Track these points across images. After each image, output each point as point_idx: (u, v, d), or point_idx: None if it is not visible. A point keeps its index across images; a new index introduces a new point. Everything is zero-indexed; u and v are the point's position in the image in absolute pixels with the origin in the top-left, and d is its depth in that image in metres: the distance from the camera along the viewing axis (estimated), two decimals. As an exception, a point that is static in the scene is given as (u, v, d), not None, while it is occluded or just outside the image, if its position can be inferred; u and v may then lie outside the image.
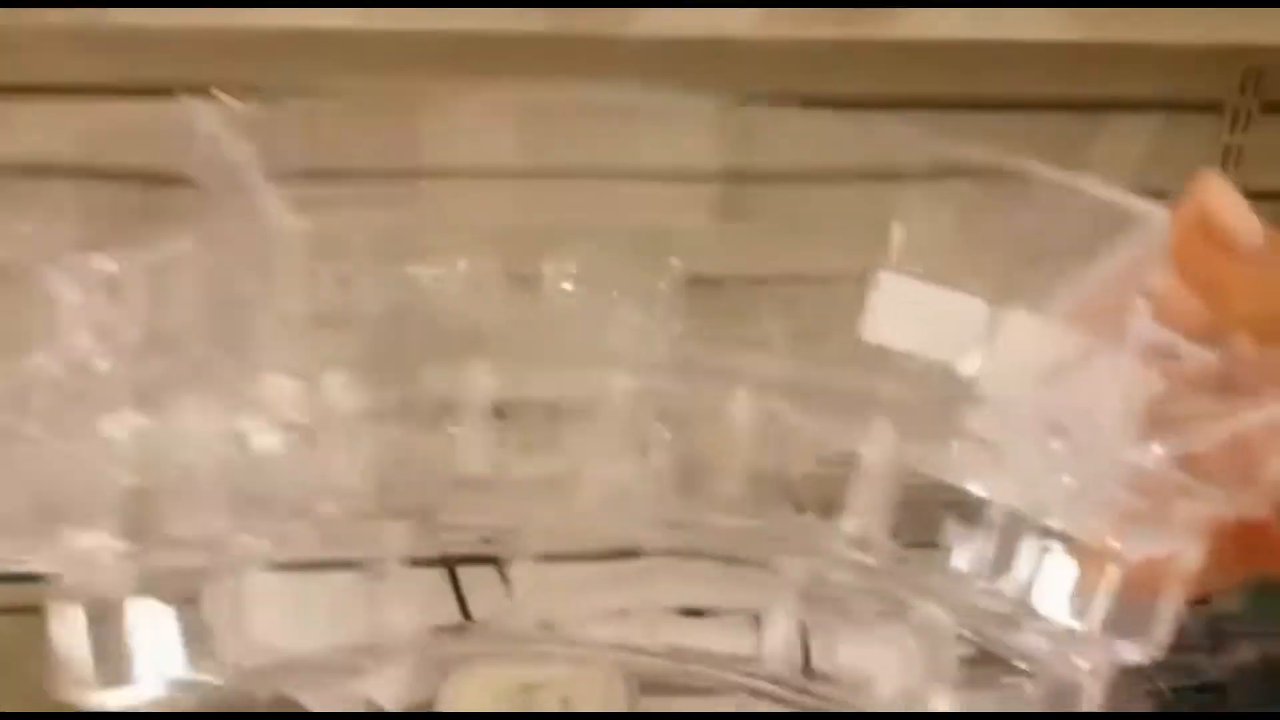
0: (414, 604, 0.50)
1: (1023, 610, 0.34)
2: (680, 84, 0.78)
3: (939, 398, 0.36)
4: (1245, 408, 0.32)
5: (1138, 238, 0.34)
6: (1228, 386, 0.33)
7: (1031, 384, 0.34)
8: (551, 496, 0.51)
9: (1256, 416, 0.32)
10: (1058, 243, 0.35)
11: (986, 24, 0.50)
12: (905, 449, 0.37)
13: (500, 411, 0.62)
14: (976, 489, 0.36)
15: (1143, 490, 0.32)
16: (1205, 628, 0.86)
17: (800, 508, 0.62)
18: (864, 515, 0.38)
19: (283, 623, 0.46)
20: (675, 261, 0.78)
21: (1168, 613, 0.32)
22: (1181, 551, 0.33)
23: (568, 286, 0.78)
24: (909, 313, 0.35)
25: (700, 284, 0.79)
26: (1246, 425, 0.32)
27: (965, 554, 0.35)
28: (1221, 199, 0.35)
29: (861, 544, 0.38)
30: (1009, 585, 0.34)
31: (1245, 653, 0.87)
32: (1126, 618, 0.33)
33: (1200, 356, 0.33)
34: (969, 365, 0.35)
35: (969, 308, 0.34)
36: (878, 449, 0.38)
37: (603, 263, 0.78)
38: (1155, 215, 0.33)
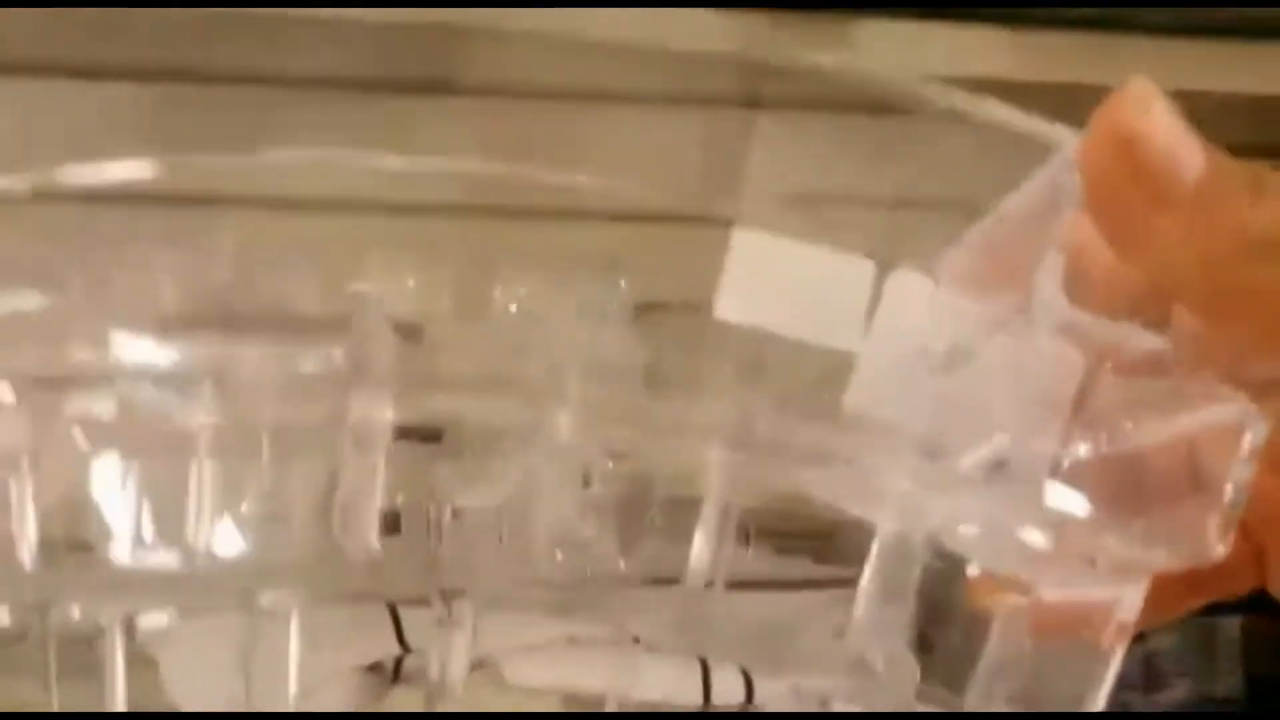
0: (354, 639, 0.48)
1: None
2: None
3: (806, 398, 0.29)
4: (1185, 400, 0.25)
5: (1046, 173, 0.27)
6: (1160, 369, 0.26)
7: (917, 375, 0.27)
8: (493, 530, 0.50)
9: (1202, 414, 0.25)
10: (951, 184, 0.29)
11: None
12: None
13: (437, 435, 0.61)
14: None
15: (1065, 533, 0.26)
16: (1139, 667, 0.86)
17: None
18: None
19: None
20: (623, 284, 0.78)
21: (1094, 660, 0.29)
22: (1115, 599, 0.28)
23: (514, 308, 0.78)
24: (770, 279, 0.29)
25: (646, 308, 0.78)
26: (1189, 425, 0.25)
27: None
28: (1148, 114, 0.26)
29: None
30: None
31: (1180, 690, 0.88)
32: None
33: (1123, 333, 0.26)
34: (844, 344, 0.27)
35: (848, 270, 0.27)
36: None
37: (552, 286, 0.77)
38: (1067, 141, 0.26)
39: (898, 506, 0.27)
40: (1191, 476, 0.26)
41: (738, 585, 0.38)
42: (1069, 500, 0.25)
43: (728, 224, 0.39)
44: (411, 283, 0.73)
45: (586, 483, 0.52)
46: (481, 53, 0.66)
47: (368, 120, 0.77)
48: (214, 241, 0.66)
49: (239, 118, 0.53)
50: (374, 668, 0.56)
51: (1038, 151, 0.29)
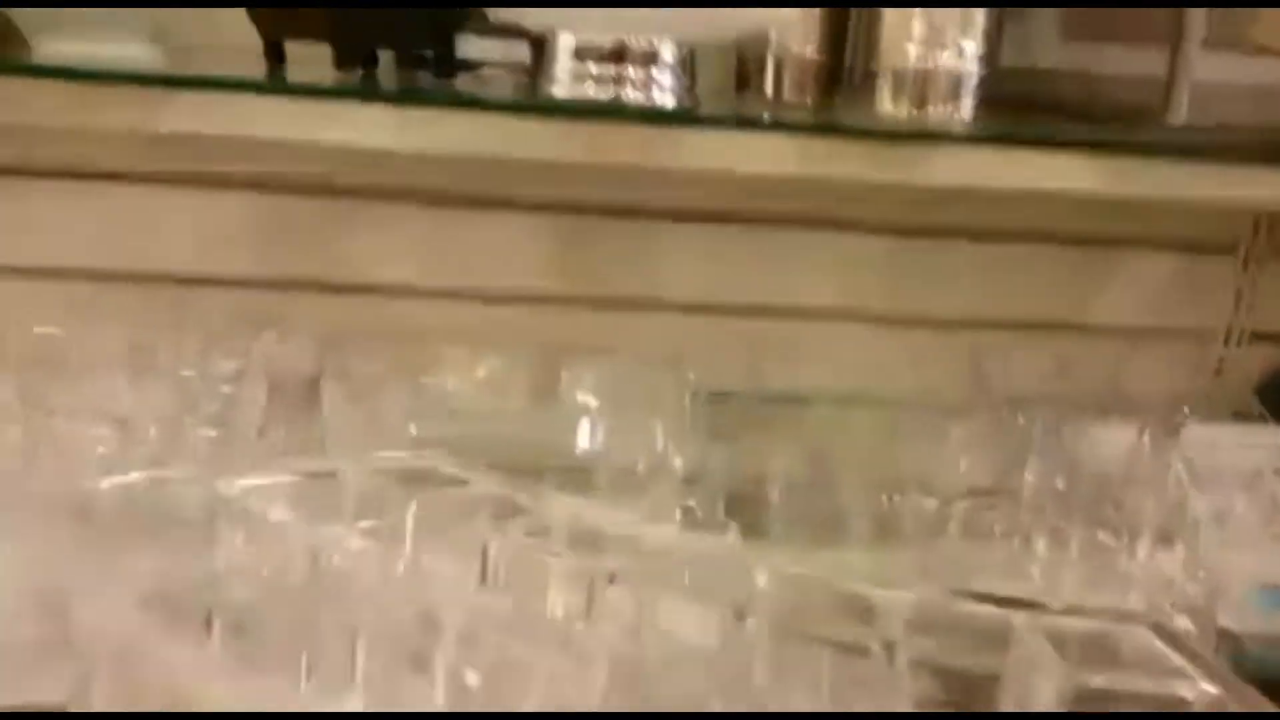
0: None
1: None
2: (719, 208, 0.80)
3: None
4: None
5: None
6: None
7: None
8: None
9: None
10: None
11: (1013, 171, 0.52)
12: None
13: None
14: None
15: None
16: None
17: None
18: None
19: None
20: (692, 376, 0.79)
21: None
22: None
23: (585, 399, 0.80)
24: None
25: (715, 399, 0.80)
26: None
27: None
28: None
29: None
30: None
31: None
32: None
33: None
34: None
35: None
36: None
37: (620, 377, 0.80)
38: None
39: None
40: None
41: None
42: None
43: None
44: (482, 372, 0.76)
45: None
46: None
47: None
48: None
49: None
50: None
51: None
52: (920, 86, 0.55)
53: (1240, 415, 0.87)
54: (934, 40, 0.54)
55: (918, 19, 0.55)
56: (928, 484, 0.77)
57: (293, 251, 0.80)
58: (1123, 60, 0.62)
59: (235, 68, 0.60)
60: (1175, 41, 0.55)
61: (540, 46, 0.50)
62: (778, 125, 0.48)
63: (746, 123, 0.48)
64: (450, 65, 0.55)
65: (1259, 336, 0.96)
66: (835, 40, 0.62)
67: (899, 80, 0.56)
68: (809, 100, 0.64)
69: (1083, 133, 0.55)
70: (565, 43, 0.47)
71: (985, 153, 0.50)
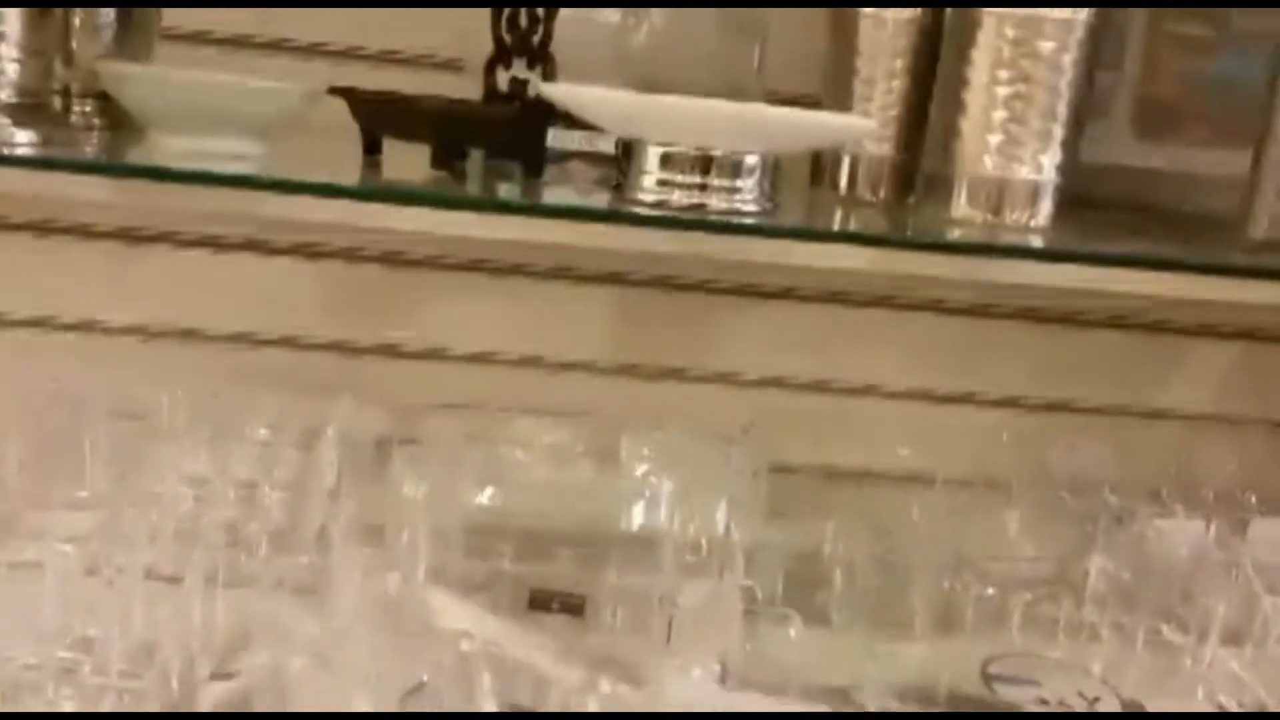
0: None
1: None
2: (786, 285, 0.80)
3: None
4: None
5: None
6: None
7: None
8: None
9: None
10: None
11: (1088, 277, 0.52)
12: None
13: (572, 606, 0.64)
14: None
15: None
16: None
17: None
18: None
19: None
20: (755, 451, 0.80)
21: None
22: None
23: (644, 468, 0.81)
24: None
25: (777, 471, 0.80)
26: None
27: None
28: None
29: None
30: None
31: None
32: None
33: None
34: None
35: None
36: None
37: (679, 447, 0.80)
38: None
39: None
40: None
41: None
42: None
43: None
44: (548, 440, 0.77)
45: (724, 675, 0.53)
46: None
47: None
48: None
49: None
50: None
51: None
52: (997, 194, 0.56)
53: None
54: (1012, 153, 0.55)
55: (996, 131, 0.55)
56: (990, 571, 0.77)
57: (364, 317, 0.82)
58: (1200, 162, 0.62)
59: (332, 152, 0.64)
60: (1260, 145, 0.54)
61: (627, 145, 0.52)
62: (850, 237, 0.49)
63: (827, 236, 0.49)
64: (539, 165, 0.57)
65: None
66: (910, 141, 0.63)
67: (975, 186, 0.57)
68: (881, 197, 0.65)
69: (1152, 247, 0.55)
70: (653, 150, 0.49)
71: (1057, 265, 0.50)
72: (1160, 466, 0.85)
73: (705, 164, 0.48)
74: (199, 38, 0.74)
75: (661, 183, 0.49)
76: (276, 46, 0.76)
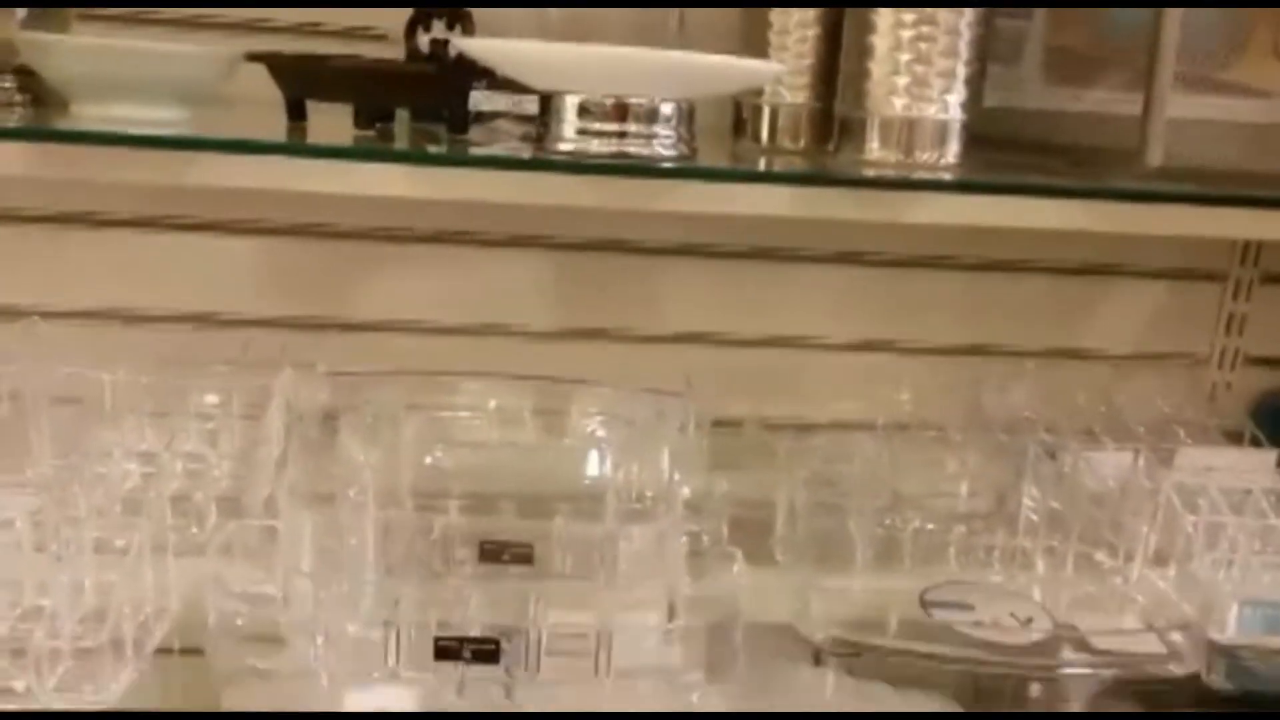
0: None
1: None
2: (719, 243, 0.82)
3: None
4: None
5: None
6: None
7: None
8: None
9: None
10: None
11: (1000, 212, 0.55)
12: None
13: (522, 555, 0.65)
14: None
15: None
16: None
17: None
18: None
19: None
20: (696, 406, 0.82)
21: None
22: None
23: (588, 426, 0.82)
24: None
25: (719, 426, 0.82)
26: None
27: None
28: None
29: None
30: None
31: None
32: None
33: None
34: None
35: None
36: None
37: (621, 403, 0.82)
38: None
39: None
40: None
41: None
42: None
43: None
44: (494, 404, 0.78)
45: (671, 614, 0.55)
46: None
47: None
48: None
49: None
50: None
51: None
52: (907, 134, 0.58)
53: (1235, 438, 0.89)
54: (919, 93, 0.57)
55: (902, 73, 0.58)
56: (927, 509, 0.80)
57: (307, 291, 0.83)
58: (1102, 102, 0.65)
59: (257, 120, 0.64)
60: (1149, 82, 0.57)
61: (547, 101, 0.53)
62: (772, 176, 0.50)
63: (742, 175, 0.51)
64: (463, 121, 0.58)
65: (1252, 360, 0.98)
66: (825, 88, 0.65)
67: (887, 128, 0.59)
68: (801, 145, 0.67)
69: (1058, 179, 0.58)
70: (571, 100, 0.51)
71: (970, 198, 0.52)
72: (1090, 406, 0.89)
73: (622, 111, 0.50)
74: (116, 18, 0.74)
75: (581, 132, 0.50)
76: (195, 24, 0.75)
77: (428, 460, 0.76)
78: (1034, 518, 0.75)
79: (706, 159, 0.56)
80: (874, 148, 0.59)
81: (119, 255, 0.80)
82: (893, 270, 0.89)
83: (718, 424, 0.81)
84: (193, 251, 0.80)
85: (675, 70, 0.50)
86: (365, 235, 0.83)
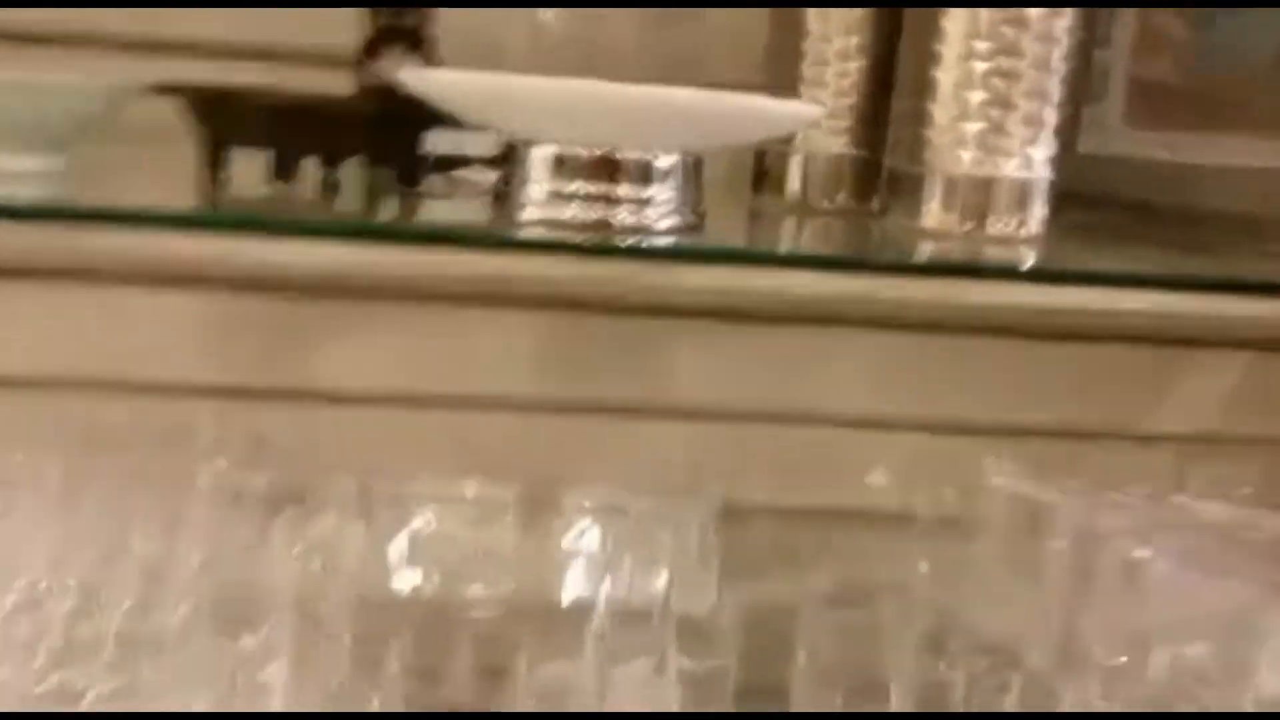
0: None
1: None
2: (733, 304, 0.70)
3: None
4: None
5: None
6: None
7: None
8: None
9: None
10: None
11: (1091, 297, 0.44)
12: None
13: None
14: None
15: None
16: None
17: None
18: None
19: None
20: (714, 491, 0.70)
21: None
22: None
23: (577, 531, 0.70)
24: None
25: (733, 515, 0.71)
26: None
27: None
28: None
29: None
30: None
31: None
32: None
33: None
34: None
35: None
36: None
37: (617, 504, 0.70)
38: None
39: None
40: None
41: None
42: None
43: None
44: (472, 492, 0.66)
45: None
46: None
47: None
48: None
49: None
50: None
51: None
52: (978, 196, 0.45)
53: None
54: (995, 145, 0.44)
55: (974, 118, 0.44)
56: (983, 638, 0.67)
57: (245, 357, 0.70)
58: (1232, 149, 0.53)
59: (161, 163, 0.52)
60: None
61: (512, 151, 0.41)
62: (797, 260, 0.38)
63: (761, 258, 0.39)
64: (412, 174, 0.46)
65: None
66: (871, 134, 0.52)
67: (951, 187, 0.46)
68: (839, 202, 0.54)
69: (1172, 259, 0.45)
70: (542, 154, 0.39)
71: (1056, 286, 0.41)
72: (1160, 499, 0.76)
73: (608, 168, 0.38)
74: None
75: (553, 194, 0.39)
76: (84, 41, 0.62)
77: (384, 573, 0.64)
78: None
79: (717, 222, 0.44)
80: (933, 210, 0.46)
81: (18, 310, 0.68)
82: (935, 335, 0.77)
83: (730, 513, 0.70)
84: (101, 307, 0.68)
85: (676, 114, 0.37)
86: (319, 291, 0.71)
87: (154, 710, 0.48)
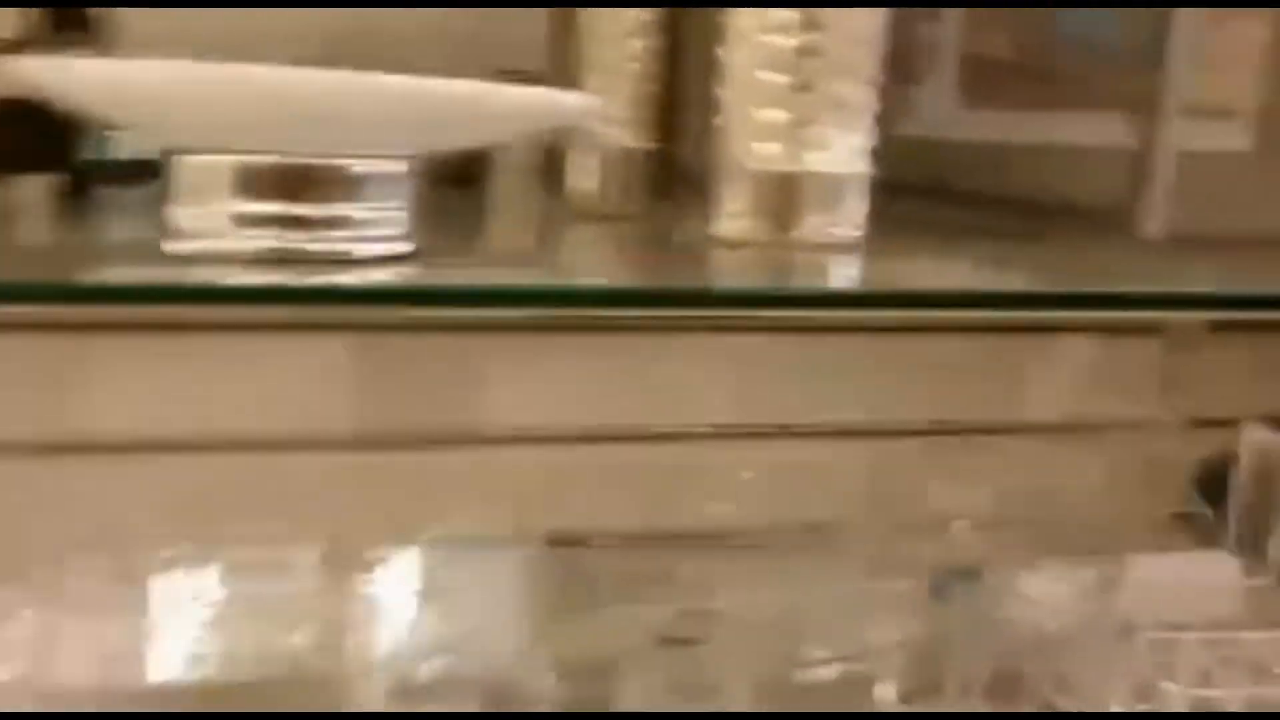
0: None
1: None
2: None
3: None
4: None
5: None
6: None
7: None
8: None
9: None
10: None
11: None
12: None
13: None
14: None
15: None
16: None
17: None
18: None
19: None
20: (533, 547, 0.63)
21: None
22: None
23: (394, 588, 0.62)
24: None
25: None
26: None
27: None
28: None
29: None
30: None
31: None
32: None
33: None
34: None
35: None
36: None
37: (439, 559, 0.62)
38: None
39: None
40: None
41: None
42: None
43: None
44: (264, 560, 0.57)
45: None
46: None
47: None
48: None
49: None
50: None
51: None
52: (781, 197, 0.37)
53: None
54: (802, 137, 0.37)
55: (773, 105, 0.36)
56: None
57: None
58: (1073, 128, 0.47)
59: None
60: (1149, 121, 0.39)
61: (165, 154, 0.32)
62: (510, 297, 0.29)
63: (469, 297, 0.30)
64: (82, 184, 0.37)
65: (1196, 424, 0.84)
66: (667, 125, 0.45)
67: (753, 186, 0.37)
68: (632, 205, 0.46)
69: (1000, 266, 0.39)
70: (191, 164, 0.28)
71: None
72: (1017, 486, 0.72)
73: (288, 181, 0.30)
74: None
75: (218, 215, 0.30)
76: None
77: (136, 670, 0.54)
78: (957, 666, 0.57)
79: (498, 230, 0.36)
80: (737, 213, 0.39)
81: None
82: (788, 336, 0.71)
83: (556, 541, 0.63)
84: None
85: (390, 110, 0.28)
86: (73, 324, 0.61)
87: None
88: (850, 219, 0.39)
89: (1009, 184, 0.43)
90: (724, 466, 0.71)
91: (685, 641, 0.57)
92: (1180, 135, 0.37)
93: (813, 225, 0.38)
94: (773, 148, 0.36)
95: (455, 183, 0.44)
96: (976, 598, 0.58)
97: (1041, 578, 0.61)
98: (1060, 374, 0.79)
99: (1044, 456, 0.76)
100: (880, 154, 0.41)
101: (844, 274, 0.38)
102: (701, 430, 0.70)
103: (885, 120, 0.41)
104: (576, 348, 0.67)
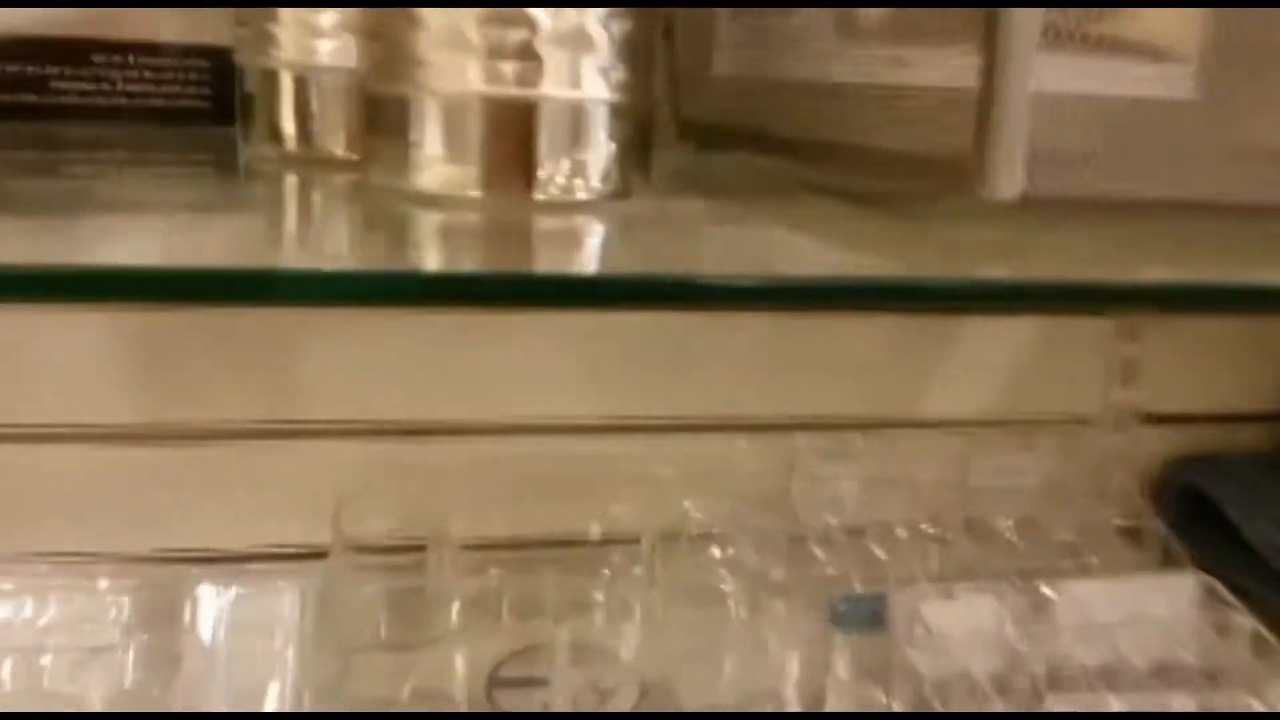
0: None
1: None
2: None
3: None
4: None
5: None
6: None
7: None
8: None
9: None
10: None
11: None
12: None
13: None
14: None
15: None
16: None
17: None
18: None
19: None
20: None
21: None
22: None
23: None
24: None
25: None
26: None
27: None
28: None
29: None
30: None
31: None
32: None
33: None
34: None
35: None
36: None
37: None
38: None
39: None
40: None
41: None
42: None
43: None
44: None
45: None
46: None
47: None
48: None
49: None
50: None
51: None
52: (499, 133, 0.27)
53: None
54: (517, 52, 0.25)
55: (480, 19, 0.25)
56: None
57: None
58: (908, 64, 0.37)
59: None
60: (988, 73, 0.30)
61: None
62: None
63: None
64: None
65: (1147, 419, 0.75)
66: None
67: (452, 121, 0.27)
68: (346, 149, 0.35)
69: (827, 234, 0.30)
70: None
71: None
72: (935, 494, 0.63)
73: None
74: None
75: None
76: None
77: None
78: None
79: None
80: (428, 158, 0.28)
81: None
82: (654, 319, 0.62)
83: (391, 550, 0.54)
84: None
85: None
86: None
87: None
88: (595, 174, 0.29)
89: (838, 130, 0.34)
90: (583, 463, 0.63)
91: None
92: (1041, 75, 0.27)
93: (542, 175, 0.29)
94: (479, 66, 0.26)
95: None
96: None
97: (955, 607, 0.51)
98: (985, 360, 0.70)
99: (964, 455, 0.67)
100: (690, 93, 0.32)
101: (586, 248, 0.28)
102: (551, 423, 0.61)
103: (696, 58, 0.32)
104: (389, 322, 0.58)
